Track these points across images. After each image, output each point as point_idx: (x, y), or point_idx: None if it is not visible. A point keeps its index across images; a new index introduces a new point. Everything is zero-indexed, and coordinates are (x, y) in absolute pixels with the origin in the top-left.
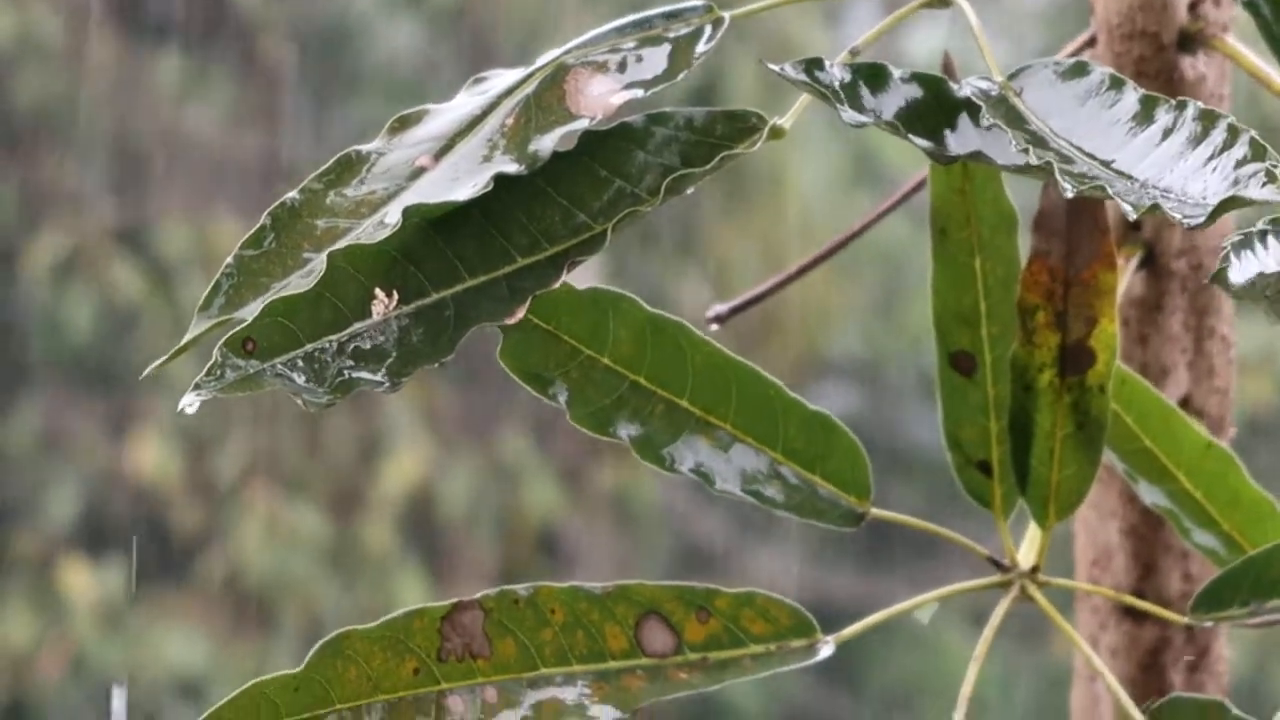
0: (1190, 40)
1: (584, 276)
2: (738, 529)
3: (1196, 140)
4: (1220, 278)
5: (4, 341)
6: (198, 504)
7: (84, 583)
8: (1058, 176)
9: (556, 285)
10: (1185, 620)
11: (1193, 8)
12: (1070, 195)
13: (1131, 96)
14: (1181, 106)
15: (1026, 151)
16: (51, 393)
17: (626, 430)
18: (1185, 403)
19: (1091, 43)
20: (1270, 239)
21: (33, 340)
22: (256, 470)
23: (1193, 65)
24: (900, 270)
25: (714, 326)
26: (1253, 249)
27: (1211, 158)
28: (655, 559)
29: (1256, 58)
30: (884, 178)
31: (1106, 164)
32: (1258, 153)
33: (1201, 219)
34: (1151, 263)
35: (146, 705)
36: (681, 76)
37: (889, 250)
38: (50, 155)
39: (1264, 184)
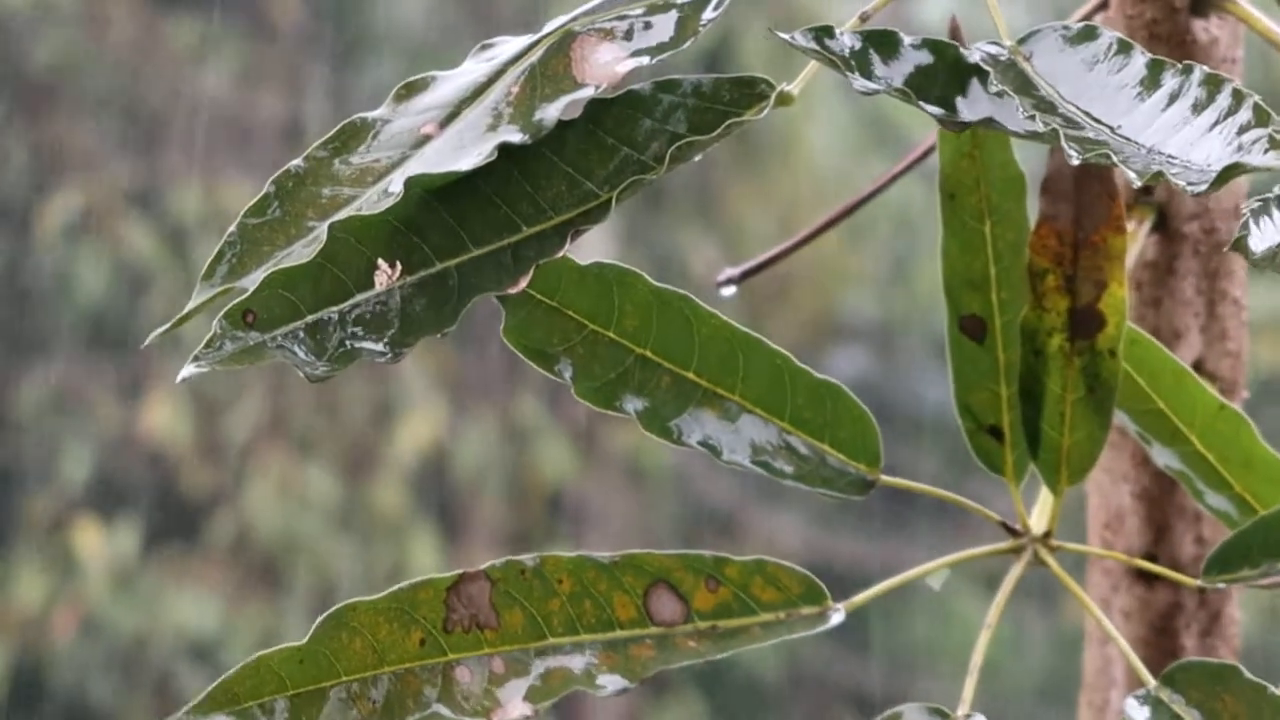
0: (1202, 3)
1: (597, 243)
2: (750, 491)
3: (1201, 106)
4: (1240, 246)
5: (17, 303)
6: (210, 466)
7: (96, 544)
8: (1064, 143)
9: (560, 254)
10: (1197, 583)
11: None
12: (1076, 162)
13: (1139, 61)
14: (1187, 71)
15: (1033, 118)
16: (64, 355)
17: (633, 404)
18: (1198, 366)
19: (1104, 5)
20: None
21: (46, 302)
22: (268, 432)
23: (1205, 28)
24: (914, 233)
25: (724, 292)
26: (1270, 216)
27: (1216, 123)
28: (667, 521)
29: (1269, 20)
30: (897, 141)
31: (1113, 129)
32: (1261, 118)
33: (1205, 186)
34: (1163, 226)
35: (158, 666)
36: (689, 44)
37: (903, 214)
38: (64, 116)
39: (1266, 150)
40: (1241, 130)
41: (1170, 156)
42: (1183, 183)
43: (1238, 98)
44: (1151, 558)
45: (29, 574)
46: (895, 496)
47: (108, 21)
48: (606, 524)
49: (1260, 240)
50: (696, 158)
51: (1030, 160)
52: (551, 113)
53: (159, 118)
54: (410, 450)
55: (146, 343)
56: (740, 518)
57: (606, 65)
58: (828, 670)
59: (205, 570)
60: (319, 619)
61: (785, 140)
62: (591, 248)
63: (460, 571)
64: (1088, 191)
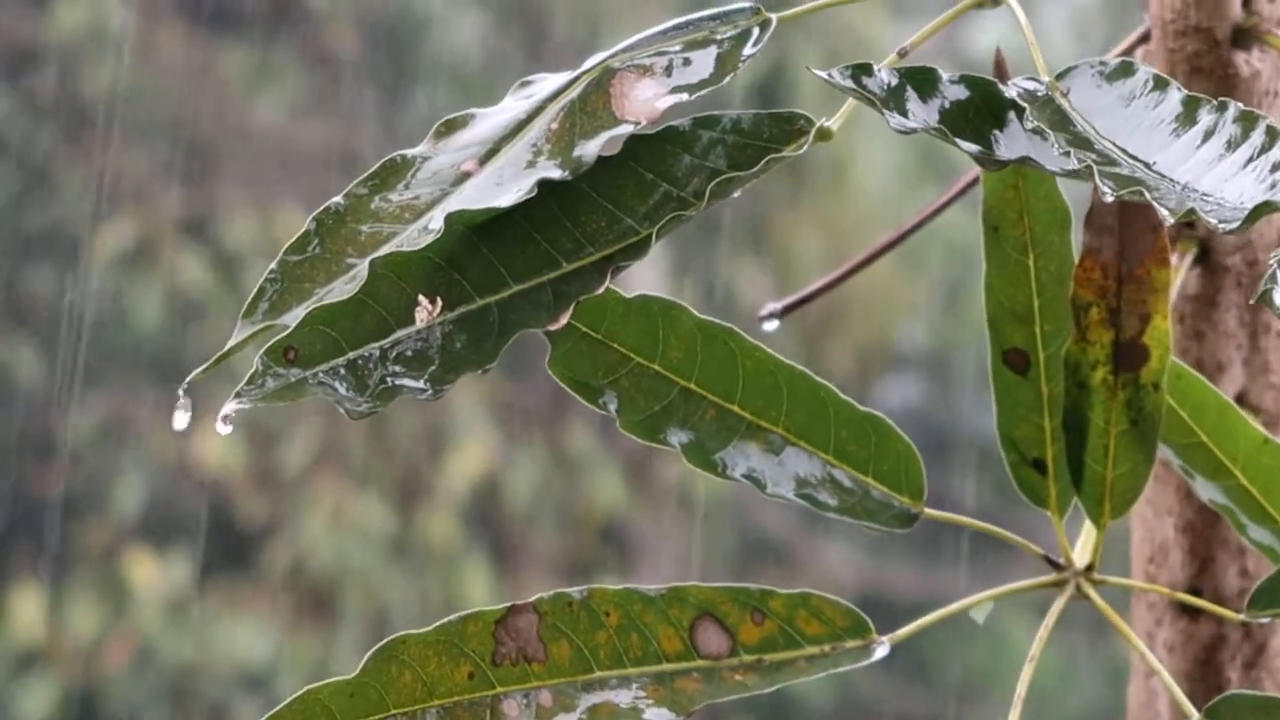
0: (1244, 36)
1: (648, 273)
2: (803, 521)
3: (1235, 143)
4: (1266, 299)
5: (70, 332)
6: (263, 495)
7: (150, 574)
8: (1098, 179)
9: (600, 290)
10: (1241, 618)
11: (1247, 3)
12: (1110, 199)
13: (1175, 97)
14: (1222, 108)
15: (1069, 154)
16: (118, 383)
17: (677, 437)
18: (1241, 399)
19: (1146, 38)
20: None
21: (98, 331)
22: (322, 462)
23: (1247, 61)
24: (965, 262)
25: (767, 326)
26: None
27: (1250, 160)
28: (719, 551)
29: None
30: (949, 169)
31: (1148, 166)
32: None
33: (1236, 224)
34: (1206, 259)
35: (212, 696)
36: (728, 80)
37: (954, 242)
38: (118, 145)
39: None
40: (1275, 168)
41: (1204, 194)
42: (1215, 220)
43: (1271, 135)
44: (1196, 591)
45: (82, 604)
46: (952, 529)
47: (160, 50)
48: (659, 554)
49: None
50: (736, 193)
51: (1075, 192)
52: (591, 149)
53: (212, 146)
54: (462, 480)
55: (189, 380)
56: (793, 547)
57: (646, 101)
58: (879, 699)
59: (259, 600)
60: (369, 652)
61: (837, 169)
62: (642, 278)
63: (509, 604)
64: (1132, 225)
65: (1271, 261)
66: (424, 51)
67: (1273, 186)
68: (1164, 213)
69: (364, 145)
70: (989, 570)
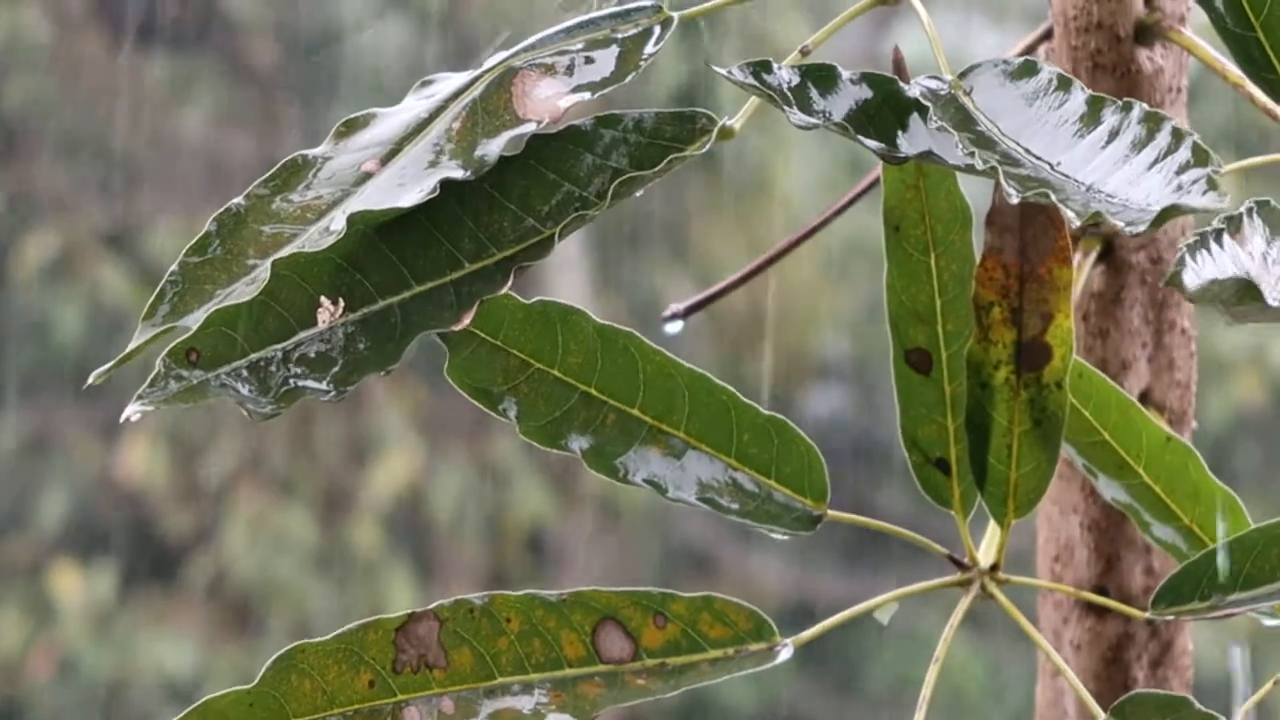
0: (1147, 32)
1: (573, 283)
2: (727, 529)
3: (1140, 144)
4: (1175, 280)
5: None
6: (187, 507)
7: (74, 586)
8: (1003, 180)
9: (504, 291)
10: (1146, 615)
11: (1148, 0)
12: (1015, 200)
13: (1079, 97)
14: (1127, 108)
15: (972, 155)
16: (40, 397)
17: (578, 442)
18: (1145, 397)
19: (1048, 35)
20: (1226, 240)
21: (21, 344)
22: (245, 473)
23: (1150, 57)
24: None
25: (669, 329)
26: (1209, 250)
27: (1155, 162)
28: (645, 560)
29: (1212, 49)
30: None
31: (1053, 166)
32: (1200, 158)
33: (1144, 226)
34: (1110, 256)
35: (136, 708)
36: (630, 78)
37: (878, 250)
38: (39, 158)
39: (1205, 191)
40: (1181, 170)
41: (1109, 195)
42: (1121, 223)
43: (1177, 136)
44: (1102, 590)
45: (6, 617)
46: (877, 538)
47: (81, 62)
48: (585, 564)
49: (1195, 275)
50: (638, 193)
51: (975, 192)
52: (493, 148)
53: (134, 159)
54: (386, 491)
55: (89, 383)
56: (719, 556)
57: (548, 100)
58: (803, 707)
59: (183, 612)
60: (268, 661)
61: (761, 180)
62: (569, 288)
63: (409, 611)
64: (1033, 223)
65: (1181, 246)
66: (346, 62)
67: (1179, 188)
68: (1070, 215)
69: (287, 155)
70: (915, 577)
